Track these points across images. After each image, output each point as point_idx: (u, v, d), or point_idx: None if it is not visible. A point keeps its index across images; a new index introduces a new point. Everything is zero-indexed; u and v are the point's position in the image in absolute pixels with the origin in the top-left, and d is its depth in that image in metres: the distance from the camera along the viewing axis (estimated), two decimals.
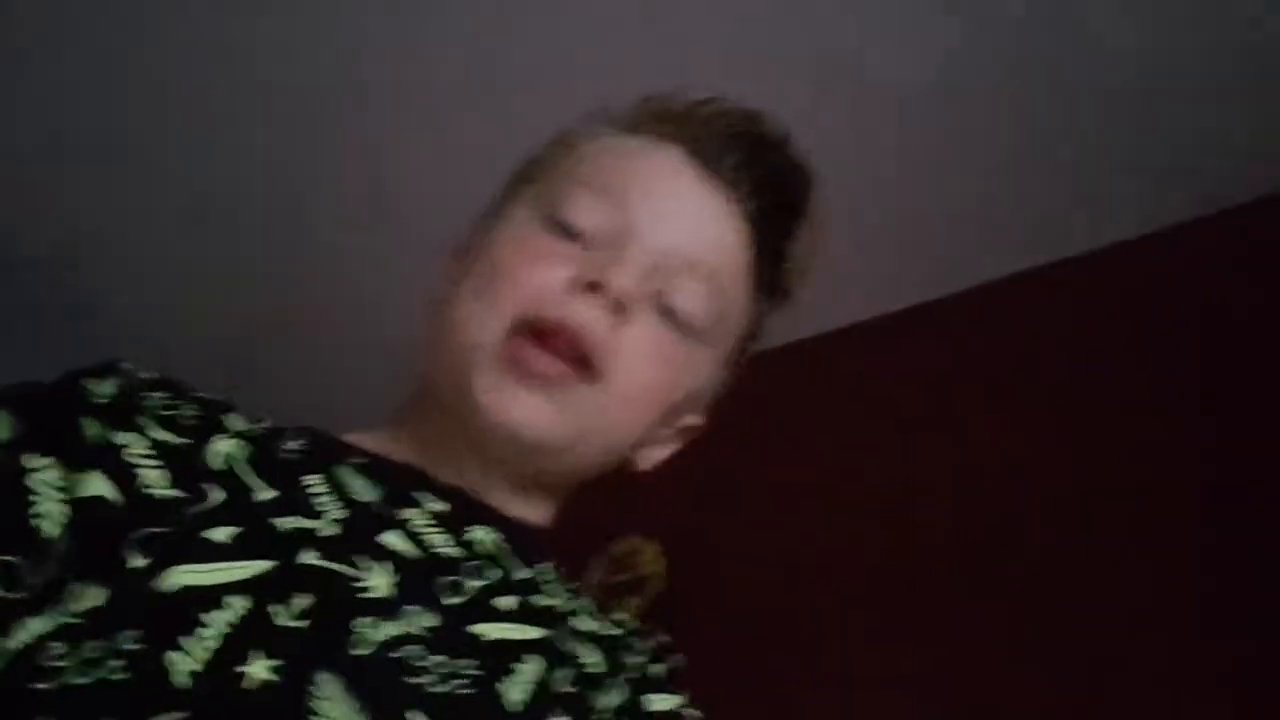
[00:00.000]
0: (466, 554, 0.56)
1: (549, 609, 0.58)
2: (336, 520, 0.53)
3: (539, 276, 0.61)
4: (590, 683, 0.57)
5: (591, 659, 0.58)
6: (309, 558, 0.50)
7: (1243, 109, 1.48)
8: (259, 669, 0.44)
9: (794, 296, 0.72)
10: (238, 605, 0.46)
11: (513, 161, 0.72)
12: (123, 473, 0.50)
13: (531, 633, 0.55)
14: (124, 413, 0.53)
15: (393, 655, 0.48)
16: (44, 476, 0.49)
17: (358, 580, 0.50)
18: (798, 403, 1.78)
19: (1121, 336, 1.59)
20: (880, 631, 1.54)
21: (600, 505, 0.77)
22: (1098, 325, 1.62)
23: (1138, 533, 1.43)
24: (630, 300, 0.61)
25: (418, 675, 0.48)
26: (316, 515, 0.53)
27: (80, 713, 0.43)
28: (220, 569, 0.47)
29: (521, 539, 0.61)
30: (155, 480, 0.51)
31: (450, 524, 0.57)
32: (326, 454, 0.58)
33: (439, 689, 0.48)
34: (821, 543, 1.66)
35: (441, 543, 0.56)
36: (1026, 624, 1.44)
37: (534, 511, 0.65)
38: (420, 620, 0.50)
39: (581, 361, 0.60)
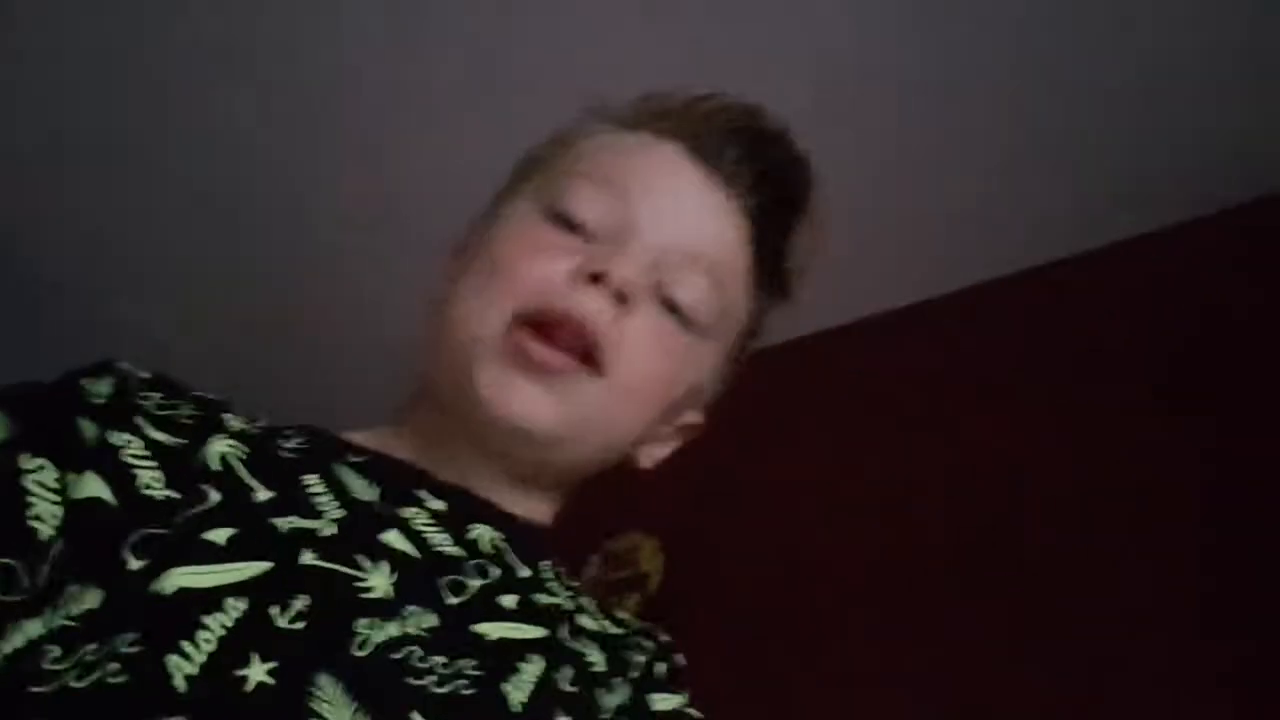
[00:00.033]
0: (467, 553, 0.56)
1: (551, 608, 0.58)
2: (336, 520, 0.53)
3: (540, 268, 0.61)
4: (593, 682, 0.57)
5: (594, 658, 0.58)
6: (308, 558, 0.49)
7: (1243, 109, 1.48)
8: (258, 671, 0.44)
9: (794, 293, 0.72)
10: (237, 607, 0.45)
11: (512, 162, 0.72)
12: (120, 474, 0.50)
13: (533, 632, 0.55)
14: (121, 413, 0.53)
15: (394, 656, 0.47)
16: (40, 478, 0.49)
17: (358, 580, 0.50)
18: (797, 401, 1.78)
19: (1121, 336, 1.58)
20: (880, 630, 1.54)
21: (600, 503, 0.77)
22: (1097, 325, 1.62)
23: (1137, 532, 1.43)
24: (633, 290, 0.61)
25: (419, 676, 0.47)
26: (316, 515, 0.52)
27: (78, 716, 0.42)
28: (219, 570, 0.47)
29: (523, 537, 0.61)
30: (152, 481, 0.50)
31: (451, 523, 0.57)
32: (325, 453, 0.58)
33: (440, 690, 0.48)
34: (821, 541, 1.66)
35: (442, 542, 0.56)
36: (1026, 623, 1.44)
37: (535, 510, 0.65)
38: (421, 620, 0.50)
39: (585, 354, 0.59)
